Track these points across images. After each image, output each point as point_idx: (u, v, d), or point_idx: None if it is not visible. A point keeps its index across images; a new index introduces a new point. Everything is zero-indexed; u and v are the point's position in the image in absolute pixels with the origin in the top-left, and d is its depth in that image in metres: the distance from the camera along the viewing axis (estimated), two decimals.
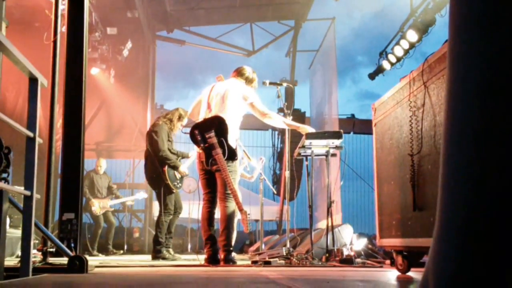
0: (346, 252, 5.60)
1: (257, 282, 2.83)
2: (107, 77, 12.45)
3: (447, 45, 2.86)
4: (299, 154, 5.84)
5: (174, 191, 7.01)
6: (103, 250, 9.92)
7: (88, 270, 3.56)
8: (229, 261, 5.13)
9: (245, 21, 14.86)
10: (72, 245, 4.24)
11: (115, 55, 12.20)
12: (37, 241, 5.95)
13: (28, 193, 3.06)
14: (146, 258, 7.66)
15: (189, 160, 7.32)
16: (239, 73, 5.78)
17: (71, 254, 3.68)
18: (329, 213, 5.47)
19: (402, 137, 3.64)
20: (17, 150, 3.55)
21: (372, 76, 11.78)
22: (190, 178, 7.98)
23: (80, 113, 4.72)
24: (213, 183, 5.36)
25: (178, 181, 7.11)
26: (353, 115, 17.16)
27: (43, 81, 3.26)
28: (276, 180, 15.49)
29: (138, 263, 5.72)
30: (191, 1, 13.62)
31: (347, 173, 6.91)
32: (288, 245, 5.67)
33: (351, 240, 6.32)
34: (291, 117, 5.96)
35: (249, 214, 5.16)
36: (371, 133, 4.39)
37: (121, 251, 10.50)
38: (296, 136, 5.93)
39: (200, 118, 5.48)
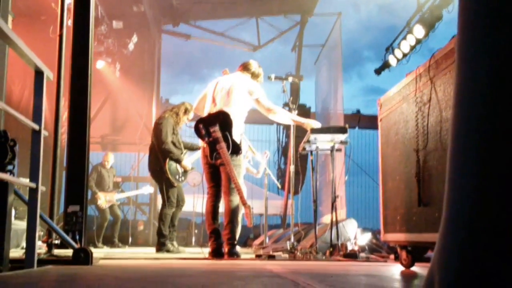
0: (350, 246, 5.61)
1: (261, 275, 2.84)
2: (112, 70, 12.46)
3: (454, 41, 2.84)
4: (304, 148, 5.83)
5: (175, 185, 7.01)
6: (108, 243, 9.97)
7: (93, 262, 3.57)
8: (233, 254, 5.14)
9: (251, 15, 14.81)
10: (77, 237, 4.26)
11: (121, 48, 12.20)
12: (42, 233, 5.98)
13: (33, 185, 3.07)
14: (151, 250, 7.68)
15: (194, 154, 7.31)
16: (245, 67, 5.77)
17: (76, 246, 3.70)
18: (333, 207, 5.47)
19: (408, 132, 3.63)
20: (23, 142, 3.56)
21: (378, 71, 11.73)
22: (195, 171, 7.98)
23: (86, 106, 4.73)
24: (217, 177, 5.37)
25: (181, 175, 7.09)
26: (358, 111, 17.12)
27: (49, 74, 3.27)
28: (281, 175, 15.48)
29: (143, 255, 5.74)
30: None
31: (352, 168, 6.90)
32: (292, 239, 5.68)
33: (355, 235, 6.32)
34: (296, 112, 5.95)
35: (252, 209, 5.17)
36: (376, 129, 4.38)
37: (126, 246, 10.54)
38: (301, 131, 5.92)
39: (205, 113, 5.48)
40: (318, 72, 14.86)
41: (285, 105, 12.44)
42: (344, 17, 12.58)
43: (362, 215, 20.05)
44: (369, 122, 15.98)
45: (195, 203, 8.72)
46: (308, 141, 5.59)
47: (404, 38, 10.00)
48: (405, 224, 3.60)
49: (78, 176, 4.59)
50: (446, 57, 3.06)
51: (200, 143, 7.28)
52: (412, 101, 3.55)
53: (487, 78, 0.78)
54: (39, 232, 4.15)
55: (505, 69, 0.76)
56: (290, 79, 6.43)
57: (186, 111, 7.23)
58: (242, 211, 5.33)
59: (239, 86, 5.44)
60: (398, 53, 10.44)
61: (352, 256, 5.15)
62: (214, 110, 5.38)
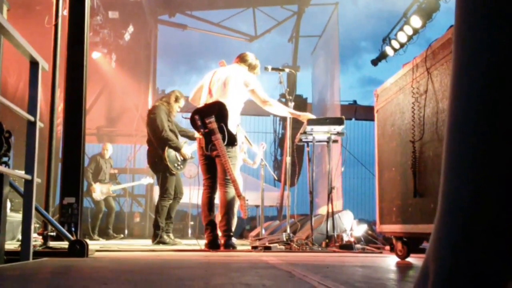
0: (346, 238, 5.62)
1: (257, 267, 2.84)
2: (108, 61, 12.40)
3: (451, 31, 2.83)
4: (300, 140, 5.83)
5: (174, 173, 6.99)
6: (104, 235, 9.96)
7: (89, 254, 3.57)
8: (229, 246, 5.15)
9: (247, 5, 14.74)
10: (73, 229, 4.25)
11: (117, 39, 12.13)
12: (37, 225, 5.98)
13: (28, 177, 3.06)
14: (147, 242, 7.69)
15: (193, 144, 7.29)
16: (241, 59, 5.76)
17: (72, 238, 3.69)
18: (329, 199, 5.48)
19: (404, 123, 3.62)
20: (18, 134, 3.54)
21: (375, 62, 11.72)
22: (191, 163, 7.97)
23: (81, 98, 4.70)
24: (213, 169, 5.36)
25: (180, 163, 7.07)
26: (355, 101, 17.11)
27: (44, 64, 3.25)
28: (277, 166, 15.49)
29: (139, 247, 5.74)
30: None
31: (348, 159, 6.90)
32: (288, 230, 5.69)
33: (351, 226, 6.34)
34: (293, 103, 5.94)
35: (247, 200, 5.17)
36: (373, 120, 4.38)
37: (121, 235, 10.54)
38: (297, 122, 5.91)
39: (201, 104, 5.46)
40: (315, 62, 14.83)
41: (282, 96, 12.46)
42: (341, 7, 12.52)
43: (358, 206, 20.11)
44: (366, 113, 15.98)
45: (191, 194, 8.71)
46: (305, 132, 5.59)
47: (401, 28, 9.98)
48: (400, 215, 3.61)
49: (73, 168, 4.57)
50: (443, 48, 3.05)
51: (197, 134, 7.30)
52: (408, 92, 3.54)
53: (485, 67, 0.77)
54: (35, 224, 4.14)
55: (503, 58, 0.75)
56: (287, 70, 6.41)
57: (176, 99, 7.20)
58: (237, 202, 5.34)
59: (235, 77, 5.43)
60: (395, 43, 10.42)
61: (348, 247, 5.17)
62: (210, 101, 5.37)
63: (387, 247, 5.49)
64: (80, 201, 4.44)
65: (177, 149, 6.96)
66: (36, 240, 3.88)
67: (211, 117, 5.14)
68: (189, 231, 12.24)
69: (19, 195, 3.40)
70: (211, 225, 5.29)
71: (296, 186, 8.15)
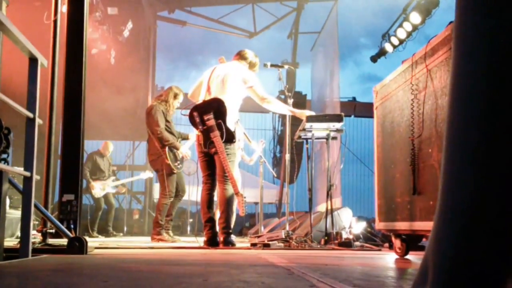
0: (345, 235, 5.63)
1: (256, 264, 2.84)
2: (107, 57, 12.37)
3: (450, 27, 2.82)
4: (299, 137, 5.83)
5: (175, 171, 7.00)
6: (103, 232, 9.96)
7: (88, 251, 3.57)
8: (228, 243, 5.15)
9: (247, 2, 14.71)
10: (72, 226, 4.25)
11: (116, 35, 12.10)
12: (37, 222, 5.97)
13: (28, 174, 3.05)
14: (146, 240, 7.69)
15: (189, 142, 7.31)
16: (241, 56, 5.75)
17: (71, 235, 3.69)
18: (328, 196, 5.48)
19: (403, 120, 3.62)
20: (17, 131, 3.54)
21: (374, 58, 11.72)
22: (190, 160, 7.97)
23: (80, 94, 4.70)
24: (212, 166, 5.36)
25: (179, 162, 7.10)
26: (354, 98, 17.08)
27: (43, 61, 3.24)
28: (276, 163, 15.49)
29: (138, 244, 5.75)
30: None
31: (347, 156, 6.91)
32: (287, 228, 5.69)
33: (350, 224, 6.34)
34: (292, 100, 5.93)
35: (245, 198, 5.17)
36: (372, 117, 4.37)
37: (121, 234, 10.55)
38: (297, 119, 5.91)
39: (200, 100, 5.46)
40: (314, 59, 14.81)
41: (281, 92, 12.44)
42: (340, 3, 12.48)
43: (357, 203, 20.12)
44: (365, 110, 15.96)
45: (190, 191, 8.71)
46: (304, 129, 5.58)
47: (401, 25, 9.97)
48: (399, 213, 3.61)
49: (73, 164, 4.57)
50: (443, 44, 3.04)
51: (190, 133, 7.32)
52: (407, 88, 3.54)
53: (485, 63, 0.76)
54: (34, 221, 4.14)
55: (503, 53, 0.75)
56: (286, 66, 6.40)
57: (175, 96, 7.20)
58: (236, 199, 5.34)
59: (234, 74, 5.42)
60: (395, 40, 10.42)
61: (346, 244, 5.17)
62: (209, 98, 5.36)
63: (386, 245, 5.50)
64: (79, 198, 4.44)
65: (175, 147, 6.97)
66: (35, 237, 3.88)
67: (209, 114, 5.14)
68: (188, 228, 12.25)
69: (18, 192, 3.39)
70: (210, 222, 5.29)
71: (295, 183, 8.16)
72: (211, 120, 5.12)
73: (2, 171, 2.87)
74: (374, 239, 6.24)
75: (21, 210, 3.13)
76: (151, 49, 14.23)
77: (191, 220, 12.52)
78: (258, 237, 5.87)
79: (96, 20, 10.88)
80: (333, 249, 5.01)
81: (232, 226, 5.30)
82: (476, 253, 0.74)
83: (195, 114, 5.19)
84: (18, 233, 4.86)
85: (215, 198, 5.49)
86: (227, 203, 5.22)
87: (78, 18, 4.81)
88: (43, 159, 4.38)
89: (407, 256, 3.71)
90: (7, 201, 5.13)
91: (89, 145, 11.87)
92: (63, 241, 3.67)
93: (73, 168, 4.56)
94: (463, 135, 0.78)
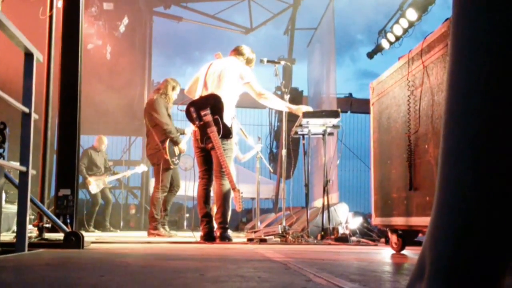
0: (341, 230, 5.64)
1: (253, 259, 2.85)
2: (103, 53, 12.34)
3: (446, 24, 2.81)
4: (296, 132, 5.83)
5: (172, 167, 7.02)
6: (100, 227, 9.95)
7: (84, 246, 3.57)
8: (225, 238, 5.16)
9: None
10: (68, 221, 4.25)
11: (112, 31, 12.07)
12: (33, 217, 5.97)
13: (23, 168, 3.05)
14: (142, 234, 7.69)
15: (185, 137, 7.32)
16: (238, 52, 5.74)
17: (67, 230, 3.69)
18: (325, 191, 5.49)
19: (400, 116, 3.63)
20: (13, 125, 3.53)
21: (370, 55, 11.73)
22: (187, 155, 7.98)
23: (76, 89, 4.69)
24: (209, 161, 5.36)
25: (177, 158, 7.12)
26: (350, 94, 17.09)
27: (39, 56, 3.23)
28: (273, 159, 15.49)
29: (134, 239, 5.75)
30: None
31: (344, 152, 6.91)
32: (284, 223, 5.70)
33: (346, 219, 6.35)
34: (288, 96, 5.93)
35: (242, 193, 5.17)
36: (368, 113, 4.38)
37: (118, 230, 10.54)
38: (293, 115, 5.90)
39: (196, 96, 5.45)
40: (311, 55, 14.79)
41: (278, 88, 12.41)
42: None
43: (353, 199, 20.15)
44: (361, 106, 15.96)
45: (186, 187, 8.72)
46: (300, 125, 5.58)
47: (397, 21, 9.98)
48: (396, 208, 3.62)
49: (69, 159, 4.57)
50: (439, 41, 3.05)
51: (186, 128, 7.33)
52: (404, 85, 3.54)
53: (483, 58, 0.77)
54: (30, 215, 4.14)
55: (501, 48, 0.75)
56: (283, 62, 6.40)
57: (173, 88, 7.24)
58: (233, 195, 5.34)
59: (231, 70, 5.41)
60: (391, 36, 10.43)
61: (343, 240, 5.18)
62: (206, 93, 5.36)
63: (382, 240, 5.51)
64: (75, 193, 4.43)
65: (177, 143, 6.98)
66: (31, 231, 3.88)
67: (206, 110, 5.14)
68: (185, 223, 12.25)
69: (14, 186, 3.38)
70: (207, 217, 5.29)
71: (292, 179, 8.17)
72: (208, 116, 5.12)
73: None
74: (371, 235, 6.26)
75: (17, 204, 3.12)
76: (147, 45, 14.19)
77: (187, 215, 12.53)
78: (255, 232, 5.88)
79: (91, 15, 10.85)
80: (330, 244, 5.02)
81: (228, 221, 5.31)
82: (473, 248, 0.75)
83: (192, 109, 5.19)
84: (14, 228, 4.86)
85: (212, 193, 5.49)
86: (224, 198, 5.22)
87: (74, 13, 4.80)
88: (39, 154, 4.38)
89: (403, 251, 3.73)
90: (3, 195, 5.12)
91: (85, 140, 11.83)
92: (60, 236, 3.67)
93: (69, 163, 4.56)
94: (460, 129, 0.79)
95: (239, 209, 5.27)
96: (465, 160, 0.77)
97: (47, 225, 3.94)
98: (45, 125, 4.46)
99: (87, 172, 9.77)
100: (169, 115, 7.08)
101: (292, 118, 6.02)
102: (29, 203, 3.12)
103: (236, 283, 1.64)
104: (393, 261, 3.12)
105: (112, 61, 12.85)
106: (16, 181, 3.19)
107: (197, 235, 5.48)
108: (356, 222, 6.36)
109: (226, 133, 5.18)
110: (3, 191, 4.74)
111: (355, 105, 16.53)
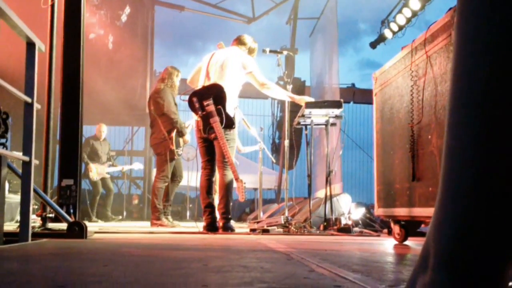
0: (344, 221, 5.65)
1: (256, 250, 2.85)
2: (105, 42, 12.30)
3: (450, 13, 2.79)
4: (298, 123, 5.82)
5: (175, 157, 7.03)
6: (103, 217, 9.98)
7: (87, 235, 3.58)
8: (227, 228, 5.17)
9: None
10: (71, 211, 4.26)
11: (113, 20, 12.02)
12: (36, 207, 5.98)
13: (26, 158, 3.05)
14: (145, 224, 7.71)
15: (188, 128, 7.32)
16: (240, 41, 5.72)
17: (70, 219, 3.70)
18: (327, 182, 5.49)
19: (403, 107, 3.61)
20: (16, 115, 3.52)
21: (373, 44, 11.68)
22: (189, 146, 7.97)
23: (79, 79, 4.68)
24: (211, 151, 5.36)
25: (181, 148, 7.14)
26: (353, 84, 17.03)
27: (41, 45, 3.22)
28: (275, 149, 15.48)
29: (137, 229, 5.76)
30: None
31: (347, 142, 6.91)
32: (286, 213, 5.71)
33: (349, 209, 6.36)
34: (291, 86, 5.91)
35: (245, 183, 5.17)
36: (371, 103, 4.37)
37: (120, 217, 10.57)
38: (296, 105, 5.90)
39: (199, 86, 5.44)
40: (313, 45, 14.72)
41: (280, 78, 12.39)
42: None
43: (356, 189, 20.15)
44: (364, 96, 15.92)
45: (189, 177, 8.72)
46: (303, 115, 5.57)
47: (400, 11, 9.93)
48: (399, 199, 3.62)
49: (72, 149, 4.57)
50: (442, 30, 3.03)
51: (189, 119, 7.33)
52: (407, 75, 3.53)
53: (487, 45, 0.76)
54: (33, 205, 4.15)
55: (506, 41, 0.74)
56: (285, 52, 6.37)
57: (177, 75, 7.24)
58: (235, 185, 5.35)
59: (233, 60, 5.40)
60: (394, 26, 10.38)
61: (345, 230, 5.19)
62: (208, 83, 5.35)
63: (385, 231, 5.52)
64: (78, 183, 4.44)
65: (182, 134, 6.99)
66: (34, 221, 3.89)
67: (209, 100, 5.13)
68: (188, 214, 12.27)
69: (17, 176, 3.39)
70: (210, 207, 5.30)
71: (295, 169, 8.18)
72: (210, 106, 5.11)
73: (0, 156, 2.87)
74: (373, 225, 6.27)
75: (20, 194, 3.13)
76: (149, 34, 14.13)
77: (190, 205, 12.55)
78: (258, 222, 5.89)
79: (93, 4, 10.80)
80: (332, 234, 5.02)
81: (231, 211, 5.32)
82: (478, 238, 0.74)
83: (194, 99, 5.18)
84: (18, 218, 4.87)
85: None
86: (227, 189, 5.23)
87: (75, 3, 4.78)
88: (42, 144, 4.38)
89: (406, 242, 3.73)
90: (6, 185, 5.13)
91: (88, 130, 11.83)
92: (63, 226, 3.68)
93: (72, 153, 4.56)
94: (465, 120, 0.78)
95: (242, 200, 5.27)
96: (467, 157, 0.77)
97: (50, 215, 3.95)
98: (48, 115, 4.46)
99: (89, 160, 9.78)
100: (175, 104, 7.07)
101: (295, 108, 6.02)
102: (32, 193, 3.12)
103: (239, 273, 1.64)
104: (396, 251, 3.12)
105: (114, 51, 12.80)
106: (19, 171, 3.20)
107: (200, 225, 5.49)
108: (358, 213, 6.37)
109: (229, 123, 5.17)
110: (6, 181, 4.75)
111: (358, 95, 16.47)
